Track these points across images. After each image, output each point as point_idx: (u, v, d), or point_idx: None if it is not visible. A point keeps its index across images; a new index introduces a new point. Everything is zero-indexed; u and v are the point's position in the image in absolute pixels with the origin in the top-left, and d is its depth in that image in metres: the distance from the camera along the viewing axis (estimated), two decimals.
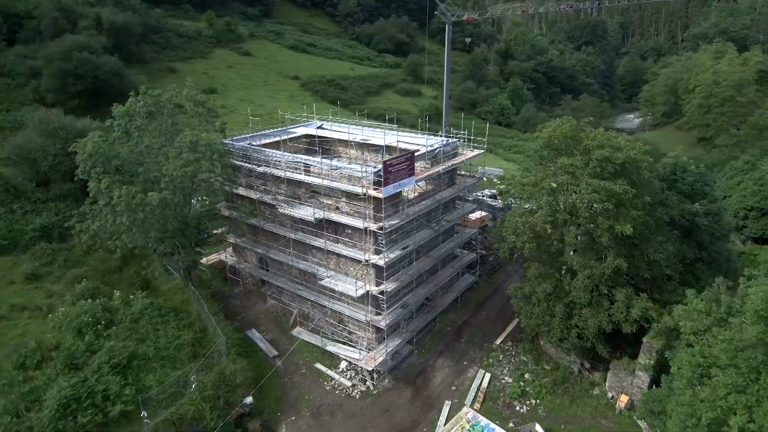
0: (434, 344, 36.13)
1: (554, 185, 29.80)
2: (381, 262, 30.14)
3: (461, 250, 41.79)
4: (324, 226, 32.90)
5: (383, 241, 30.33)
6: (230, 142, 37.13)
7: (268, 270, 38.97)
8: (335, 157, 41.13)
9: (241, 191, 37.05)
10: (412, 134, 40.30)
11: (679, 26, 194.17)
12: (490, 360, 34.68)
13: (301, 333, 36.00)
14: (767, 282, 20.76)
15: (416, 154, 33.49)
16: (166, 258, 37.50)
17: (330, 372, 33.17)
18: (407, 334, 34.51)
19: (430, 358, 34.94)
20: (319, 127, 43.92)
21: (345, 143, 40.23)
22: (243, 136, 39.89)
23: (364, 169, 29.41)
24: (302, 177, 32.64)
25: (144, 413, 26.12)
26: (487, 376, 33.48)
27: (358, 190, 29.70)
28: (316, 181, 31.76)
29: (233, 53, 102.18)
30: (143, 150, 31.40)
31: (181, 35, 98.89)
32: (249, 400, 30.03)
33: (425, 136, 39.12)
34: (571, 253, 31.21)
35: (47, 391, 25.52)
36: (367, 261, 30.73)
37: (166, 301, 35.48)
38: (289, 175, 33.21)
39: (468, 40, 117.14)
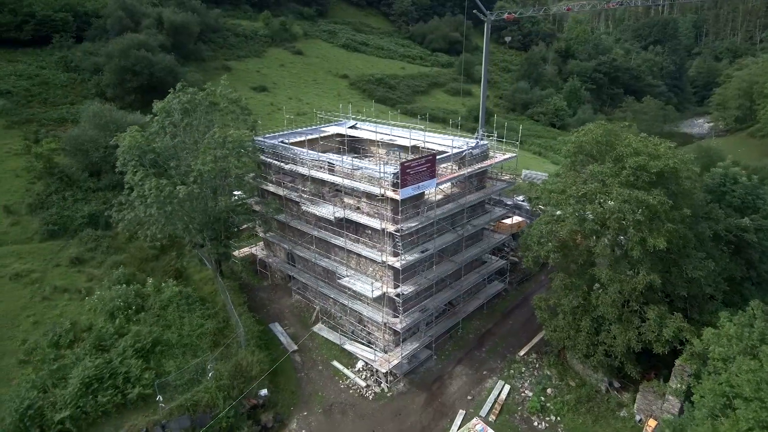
0: (454, 351, 35.38)
1: (583, 193, 28.32)
2: (397, 265, 29.81)
3: (490, 255, 40.66)
4: (344, 226, 32.98)
5: (400, 243, 29.98)
6: (262, 139, 37.96)
7: (294, 266, 39.58)
8: (366, 156, 41.16)
9: (271, 188, 37.82)
10: (442, 135, 39.54)
11: (757, 26, 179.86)
12: (512, 371, 33.53)
13: (322, 330, 36.31)
14: None
15: (443, 156, 32.93)
16: (199, 249, 38.82)
17: (346, 371, 33.24)
18: (426, 339, 33.98)
19: (449, 364, 34.24)
20: (352, 127, 44.10)
21: (376, 143, 40.07)
22: (276, 134, 40.67)
23: (382, 170, 29.14)
24: (323, 175, 32.83)
25: (159, 397, 27.22)
26: (507, 387, 32.39)
27: (376, 190, 29.50)
28: (337, 180, 31.85)
29: (286, 52, 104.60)
30: (176, 145, 32.63)
31: (238, 34, 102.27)
32: (264, 392, 30.60)
33: (455, 137, 38.30)
34: (601, 265, 29.54)
35: (73, 370, 27.09)
36: (383, 262, 30.49)
37: (196, 290, 36.87)
38: (311, 173, 33.50)
39: (508, 39, 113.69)
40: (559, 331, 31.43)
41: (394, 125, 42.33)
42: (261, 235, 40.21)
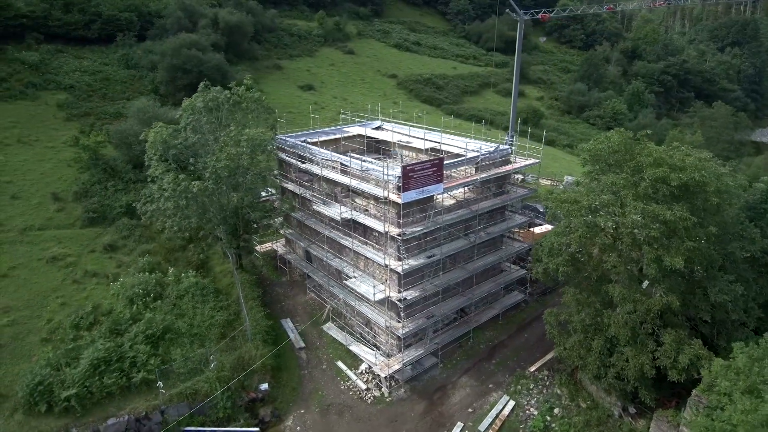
0: (462, 360, 34.42)
1: (596, 204, 26.65)
2: (399, 269, 29.35)
3: (510, 264, 39.20)
4: (353, 227, 32.90)
5: (402, 248, 29.50)
6: (284, 138, 38.60)
7: (311, 263, 40.00)
8: (390, 157, 40.78)
9: (290, 186, 38.41)
10: (464, 138, 38.46)
11: None
12: (519, 387, 32.17)
13: (331, 329, 36.46)
14: None
15: (454, 160, 32.11)
16: (220, 243, 40.04)
17: (349, 372, 33.18)
18: (431, 346, 33.29)
19: (455, 374, 33.36)
20: (377, 128, 43.92)
21: (404, 145, 39.52)
22: (300, 133, 41.23)
23: (387, 172, 28.76)
24: (332, 175, 32.88)
25: (160, 383, 28.34)
26: (511, 403, 31.12)
27: (379, 193, 29.17)
28: (344, 180, 31.80)
29: (338, 52, 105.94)
30: (197, 141, 33.82)
31: (293, 34, 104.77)
32: (264, 386, 31.15)
33: (476, 141, 37.21)
34: (616, 282, 27.68)
35: (85, 351, 28.76)
36: (387, 266, 30.13)
37: (215, 282, 38.12)
38: (323, 172, 33.66)
39: (543, 39, 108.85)
40: (569, 349, 29.81)
41: (420, 127, 41.64)
42: (281, 231, 40.95)
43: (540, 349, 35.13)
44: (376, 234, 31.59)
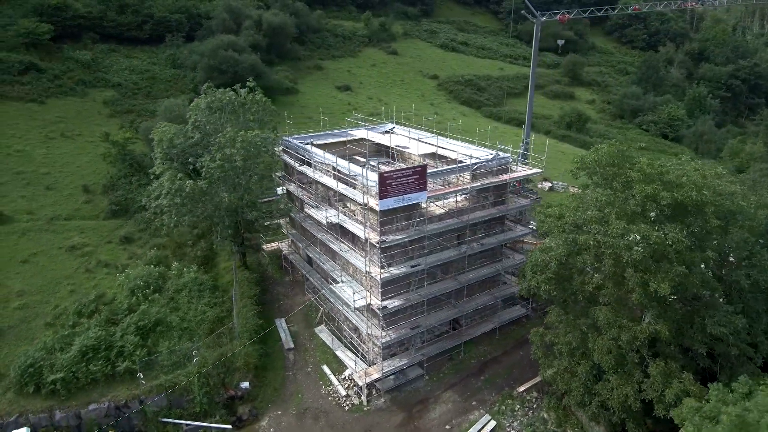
0: (450, 374, 33.34)
1: (580, 221, 24.92)
2: (378, 277, 28.81)
3: (512, 277, 37.54)
4: (341, 232, 32.66)
5: (382, 256, 28.93)
6: (287, 139, 38.96)
7: (311, 265, 40.16)
8: (400, 162, 40.09)
9: (292, 187, 38.73)
10: (468, 145, 37.16)
11: None
12: (503, 407, 30.74)
13: (322, 332, 36.44)
14: None
15: (441, 169, 31.12)
16: (223, 240, 40.99)
17: (332, 377, 33.00)
18: (416, 357, 32.48)
19: (439, 387, 32.37)
20: (389, 131, 43.40)
21: (401, 150, 38.87)
22: (308, 135, 41.46)
23: (367, 178, 28.28)
24: (322, 178, 32.78)
25: (140, 374, 29.40)
26: (492, 424, 29.76)
27: (360, 198, 28.74)
28: (331, 183, 31.60)
29: (381, 52, 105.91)
30: (197, 142, 34.79)
31: (337, 35, 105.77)
32: (245, 384, 31.57)
33: (479, 147, 35.88)
34: (602, 305, 25.80)
35: (77, 338, 30.32)
36: (368, 273, 29.66)
37: (216, 278, 39.14)
38: (315, 175, 33.63)
39: (561, 42, 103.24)
40: (554, 373, 28.13)
41: (429, 131, 40.71)
42: (284, 232, 41.42)
43: (534, 369, 33.30)
44: (362, 240, 31.17)
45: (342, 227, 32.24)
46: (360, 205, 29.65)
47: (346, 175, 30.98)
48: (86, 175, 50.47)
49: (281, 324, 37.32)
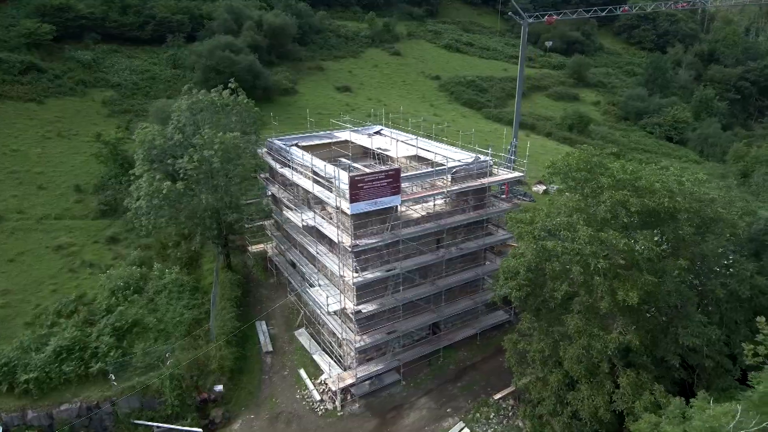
0: (427, 380, 32.94)
1: (550, 227, 24.41)
2: (351, 281, 28.53)
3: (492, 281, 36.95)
4: (318, 235, 32.43)
5: (355, 260, 28.64)
6: (271, 140, 38.82)
7: (294, 267, 39.99)
8: (387, 164, 39.71)
9: (274, 189, 38.60)
10: (452, 148, 36.70)
11: None
12: (478, 415, 30.28)
13: (302, 335, 36.24)
14: None
15: (417, 172, 30.75)
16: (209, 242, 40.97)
17: (308, 381, 32.78)
18: (392, 362, 32.15)
19: (415, 393, 31.99)
20: (377, 133, 43.09)
21: (382, 152, 38.52)
22: (292, 136, 41.28)
23: (340, 181, 28.01)
24: (299, 180, 32.56)
25: (112, 376, 29.45)
26: (465, 431, 29.33)
27: (332, 202, 28.48)
28: (307, 185, 31.39)
29: (384, 53, 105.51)
30: (176, 143, 34.78)
31: (340, 35, 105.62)
32: (219, 388, 31.50)
33: (462, 151, 35.42)
34: (573, 312, 25.24)
35: (52, 338, 30.45)
36: (341, 277, 29.40)
37: (200, 280, 39.14)
38: (294, 177, 33.44)
39: (549, 44, 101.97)
40: (526, 381, 27.64)
41: (416, 133, 40.30)
42: (268, 233, 41.32)
43: (512, 376, 32.78)
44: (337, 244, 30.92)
45: (319, 230, 32.01)
46: (334, 208, 29.37)
47: (322, 178, 30.74)
48: (79, 174, 50.84)
49: (261, 326, 37.19)
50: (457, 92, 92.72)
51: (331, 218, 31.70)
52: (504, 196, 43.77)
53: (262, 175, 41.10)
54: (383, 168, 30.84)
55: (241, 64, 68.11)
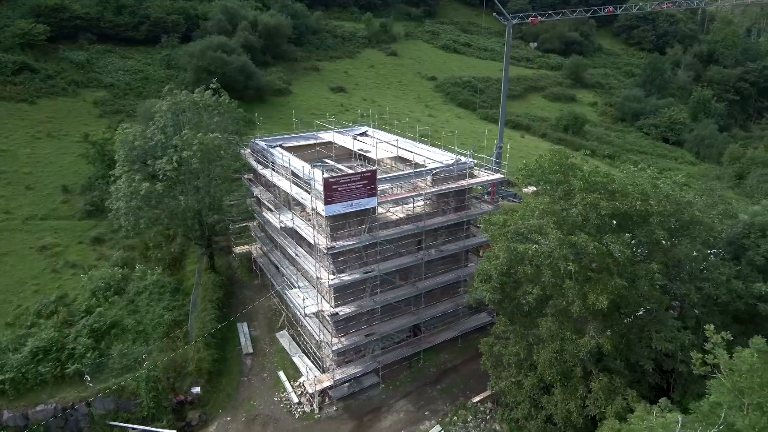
0: (407, 383, 32.77)
1: (522, 229, 24.18)
2: (326, 283, 28.38)
3: None
4: (298, 236, 32.30)
5: (331, 261, 28.49)
6: (254, 141, 38.72)
7: (277, 269, 39.87)
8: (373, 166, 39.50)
9: (257, 190, 38.50)
10: (435, 149, 36.49)
11: None
12: (455, 418, 30.07)
13: (283, 337, 36.12)
14: None
15: (391, 174, 30.59)
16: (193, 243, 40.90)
17: (287, 383, 32.64)
18: (371, 365, 31.97)
19: (394, 396, 31.82)
20: (362, 134, 42.93)
21: (363, 154, 38.33)
22: (277, 137, 41.18)
23: (315, 182, 27.87)
24: (278, 181, 32.45)
25: (87, 377, 29.38)
26: None
27: (308, 203, 28.35)
28: (285, 186, 31.27)
29: (381, 53, 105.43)
30: (157, 144, 34.69)
31: (336, 36, 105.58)
32: (196, 390, 31.38)
33: (443, 152, 35.22)
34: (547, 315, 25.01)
35: (30, 339, 30.41)
36: (318, 278, 29.25)
37: (181, 281, 39.06)
38: (273, 178, 33.32)
39: (534, 45, 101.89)
40: (501, 384, 27.42)
41: (402, 135, 40.17)
42: (252, 234, 41.22)
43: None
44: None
45: (298, 232, 31.88)
46: (311, 209, 29.25)
47: (301, 179, 30.61)
48: (67, 175, 50.85)
49: (243, 328, 37.07)
50: (452, 93, 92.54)
51: (309, 220, 31.57)
52: (490, 197, 43.60)
53: (246, 176, 40.98)
54: (359, 169, 30.63)
55: (233, 64, 68.11)
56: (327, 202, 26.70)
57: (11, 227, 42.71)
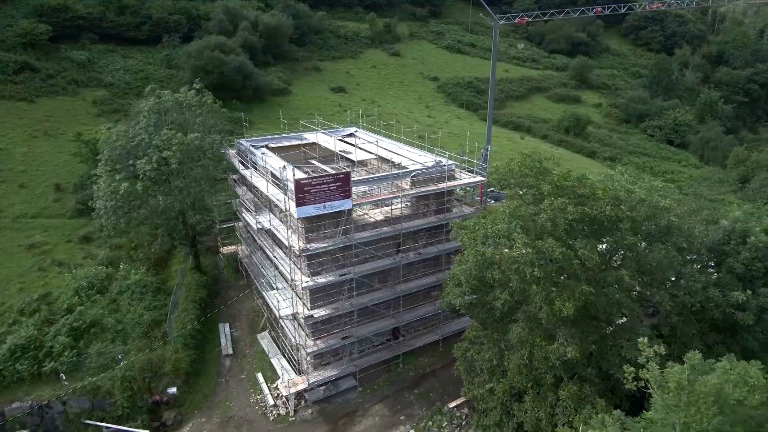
0: (384, 386, 32.48)
1: (491, 234, 23.77)
2: (299, 285, 28.20)
3: None
4: (275, 237, 32.16)
5: (305, 264, 28.30)
6: (240, 142, 38.69)
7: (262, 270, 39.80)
8: (363, 168, 39.21)
9: (240, 191, 38.45)
10: (418, 151, 36.16)
11: None
12: (430, 423, 29.61)
13: (264, 338, 35.99)
14: None
15: (366, 176, 30.29)
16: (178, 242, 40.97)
17: (264, 385, 32.51)
18: (347, 368, 31.72)
19: (371, 400, 31.55)
20: (351, 134, 42.70)
21: (343, 155, 38.01)
22: (263, 138, 41.11)
23: (288, 183, 27.69)
24: (256, 181, 32.35)
25: (62, 375, 29.49)
26: None
27: (282, 205, 28.18)
28: (262, 187, 31.14)
29: (384, 53, 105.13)
30: (138, 144, 34.76)
31: (339, 36, 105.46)
32: (173, 390, 31.37)
33: (427, 153, 34.87)
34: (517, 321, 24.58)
35: (9, 337, 30.62)
36: (292, 281, 29.08)
37: (165, 280, 39.13)
38: (252, 179, 33.23)
39: (521, 46, 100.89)
40: (473, 390, 27.03)
41: (389, 135, 39.79)
42: (237, 235, 41.20)
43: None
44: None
45: (275, 233, 31.76)
46: (285, 211, 29.09)
47: (278, 180, 30.46)
48: (61, 174, 51.28)
49: (224, 329, 37.02)
50: (454, 93, 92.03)
51: (287, 221, 31.40)
52: (478, 199, 43.11)
53: (232, 177, 40.97)
54: (331, 171, 30.42)
55: (231, 64, 68.25)
56: (299, 204, 26.50)
57: (1, 225, 43.13)
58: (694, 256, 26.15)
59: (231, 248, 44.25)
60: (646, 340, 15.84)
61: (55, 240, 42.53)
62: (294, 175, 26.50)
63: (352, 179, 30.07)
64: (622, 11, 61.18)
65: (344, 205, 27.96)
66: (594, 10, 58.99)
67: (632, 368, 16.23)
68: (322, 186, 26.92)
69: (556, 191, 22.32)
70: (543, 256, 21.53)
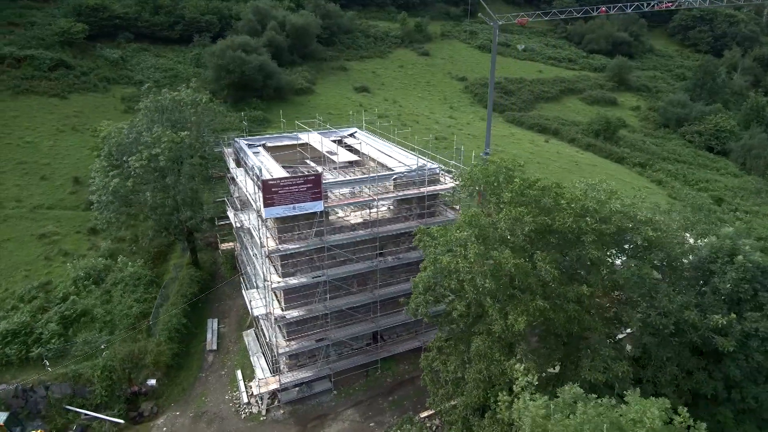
0: (360, 391, 32.03)
1: (450, 242, 22.87)
2: (273, 286, 28.14)
3: None
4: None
5: (278, 264, 28.24)
6: (236, 140, 39.12)
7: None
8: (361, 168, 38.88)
9: (234, 189, 38.87)
10: (408, 153, 35.42)
11: None
12: None
13: (248, 335, 36.24)
14: None
15: (355, 178, 29.86)
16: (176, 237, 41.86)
17: (241, 383, 32.72)
18: (322, 370, 31.45)
19: (344, 404, 31.17)
20: (351, 135, 42.44)
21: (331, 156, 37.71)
22: (261, 137, 41.38)
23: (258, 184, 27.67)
24: (240, 179, 32.56)
25: (46, 362, 30.64)
26: None
27: (254, 205, 28.19)
28: (242, 185, 31.28)
29: (413, 53, 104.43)
30: (135, 140, 35.74)
31: (369, 36, 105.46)
32: (152, 382, 32.06)
33: (417, 156, 34.08)
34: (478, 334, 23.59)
35: (1, 322, 32.13)
36: (265, 280, 29.07)
37: (162, 274, 40.09)
38: (236, 176, 33.47)
39: (521, 47, 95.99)
40: (437, 403, 26.17)
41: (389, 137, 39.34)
42: (234, 231, 41.68)
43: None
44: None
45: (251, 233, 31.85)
46: (256, 211, 29.13)
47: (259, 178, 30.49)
48: (82, 167, 53.38)
49: (212, 324, 37.54)
50: (481, 94, 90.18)
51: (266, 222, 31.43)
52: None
53: (228, 175, 41.45)
54: (303, 173, 30.19)
55: (252, 63, 69.34)
56: (266, 204, 26.43)
57: (19, 215, 45.38)
58: (685, 273, 24.32)
59: (228, 245, 44.89)
60: (520, 366, 14.66)
61: (65, 231, 44.35)
62: (271, 174, 26.39)
63: (330, 181, 29.90)
64: (629, 11, 58.00)
65: (315, 206, 27.67)
66: (599, 10, 56.12)
67: (507, 397, 15.05)
68: (292, 187, 26.73)
69: (517, 200, 21.19)
70: (500, 267, 20.46)
